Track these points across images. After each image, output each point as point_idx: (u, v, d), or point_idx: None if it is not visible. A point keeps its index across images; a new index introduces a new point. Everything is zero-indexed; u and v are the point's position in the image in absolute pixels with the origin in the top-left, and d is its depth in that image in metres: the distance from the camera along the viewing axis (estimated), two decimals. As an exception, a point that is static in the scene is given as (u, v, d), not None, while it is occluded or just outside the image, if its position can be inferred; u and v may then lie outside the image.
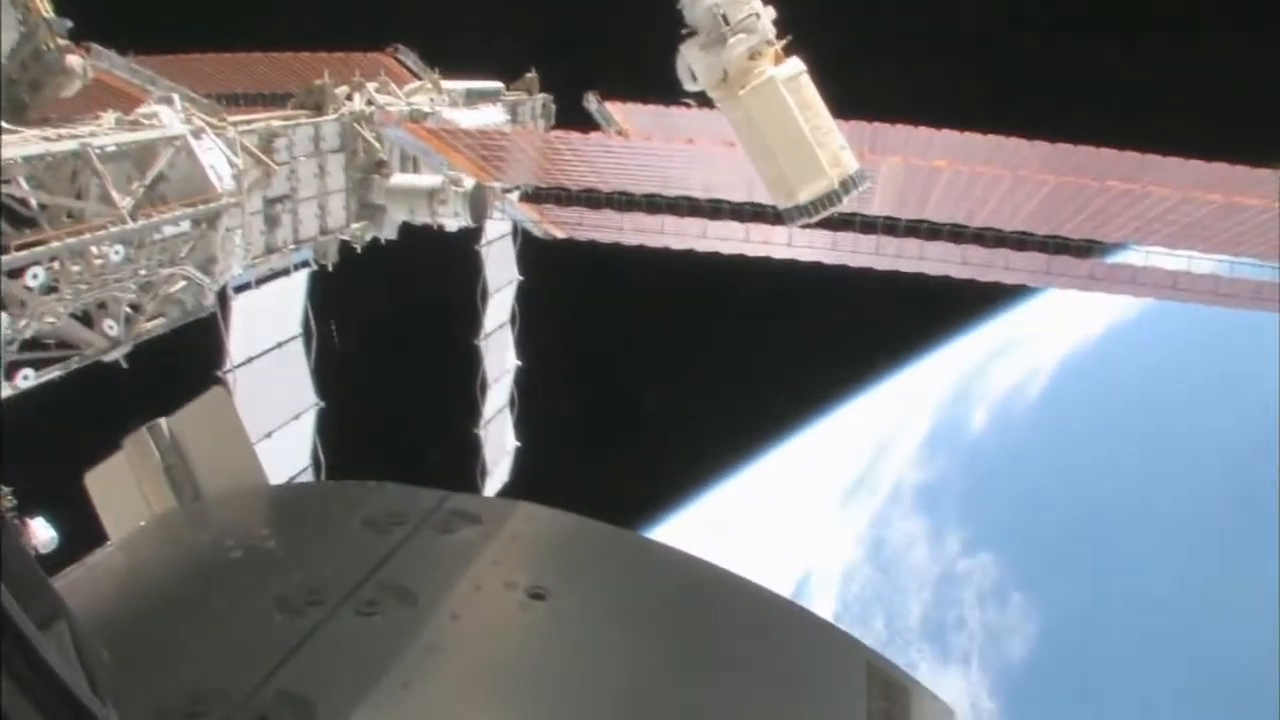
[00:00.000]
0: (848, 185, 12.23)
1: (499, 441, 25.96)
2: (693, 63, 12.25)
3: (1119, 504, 53.35)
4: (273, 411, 17.38)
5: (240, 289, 16.20)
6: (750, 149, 12.62)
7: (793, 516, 61.68)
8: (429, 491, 2.70)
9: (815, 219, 12.65)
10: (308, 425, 18.48)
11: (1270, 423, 51.08)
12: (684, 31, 12.35)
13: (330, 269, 18.43)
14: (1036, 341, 62.58)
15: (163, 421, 3.22)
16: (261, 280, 16.82)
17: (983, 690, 52.02)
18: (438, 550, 2.50)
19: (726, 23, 11.98)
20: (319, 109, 17.73)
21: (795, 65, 12.20)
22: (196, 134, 14.16)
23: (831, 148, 12.19)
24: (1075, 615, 51.60)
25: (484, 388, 24.35)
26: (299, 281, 17.87)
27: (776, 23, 12.27)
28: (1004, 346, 63.32)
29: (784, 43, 12.25)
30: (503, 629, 2.33)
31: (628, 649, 2.31)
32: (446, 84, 21.42)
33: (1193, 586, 47.77)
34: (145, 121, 13.87)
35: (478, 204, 18.98)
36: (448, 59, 21.84)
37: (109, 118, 13.71)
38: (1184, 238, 18.58)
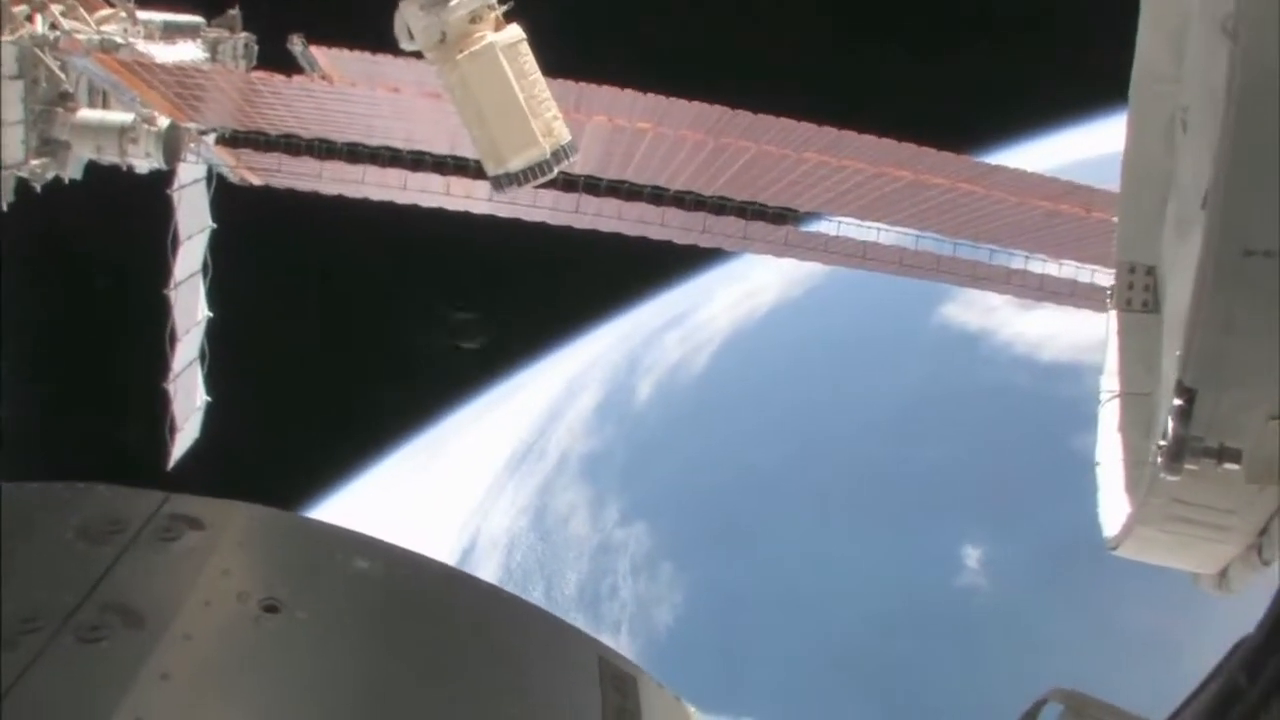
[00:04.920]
0: (559, 155, 12.45)
1: (189, 396, 24.76)
2: (411, 21, 12.06)
3: (767, 475, 57.43)
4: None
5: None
6: (464, 114, 12.60)
7: (464, 482, 62.53)
8: (147, 493, 2.47)
9: (524, 187, 12.86)
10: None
11: (916, 399, 56.38)
12: (404, -12, 12.20)
13: (4, 209, 17.12)
14: (707, 312, 66.04)
15: None
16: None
17: (631, 656, 54.97)
18: (162, 561, 2.29)
19: (449, -16, 11.92)
20: (-7, 30, 16.35)
21: (515, 32, 12.27)
22: None
23: (545, 117, 12.37)
24: (720, 584, 55.37)
25: (173, 340, 23.18)
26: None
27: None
28: (679, 316, 66.40)
29: (505, 8, 12.33)
30: (239, 648, 2.19)
31: (367, 661, 2.25)
32: (142, 14, 19.95)
33: (830, 555, 52.27)
34: None
35: (171, 145, 18.12)
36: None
37: None
38: (874, 210, 20.14)
